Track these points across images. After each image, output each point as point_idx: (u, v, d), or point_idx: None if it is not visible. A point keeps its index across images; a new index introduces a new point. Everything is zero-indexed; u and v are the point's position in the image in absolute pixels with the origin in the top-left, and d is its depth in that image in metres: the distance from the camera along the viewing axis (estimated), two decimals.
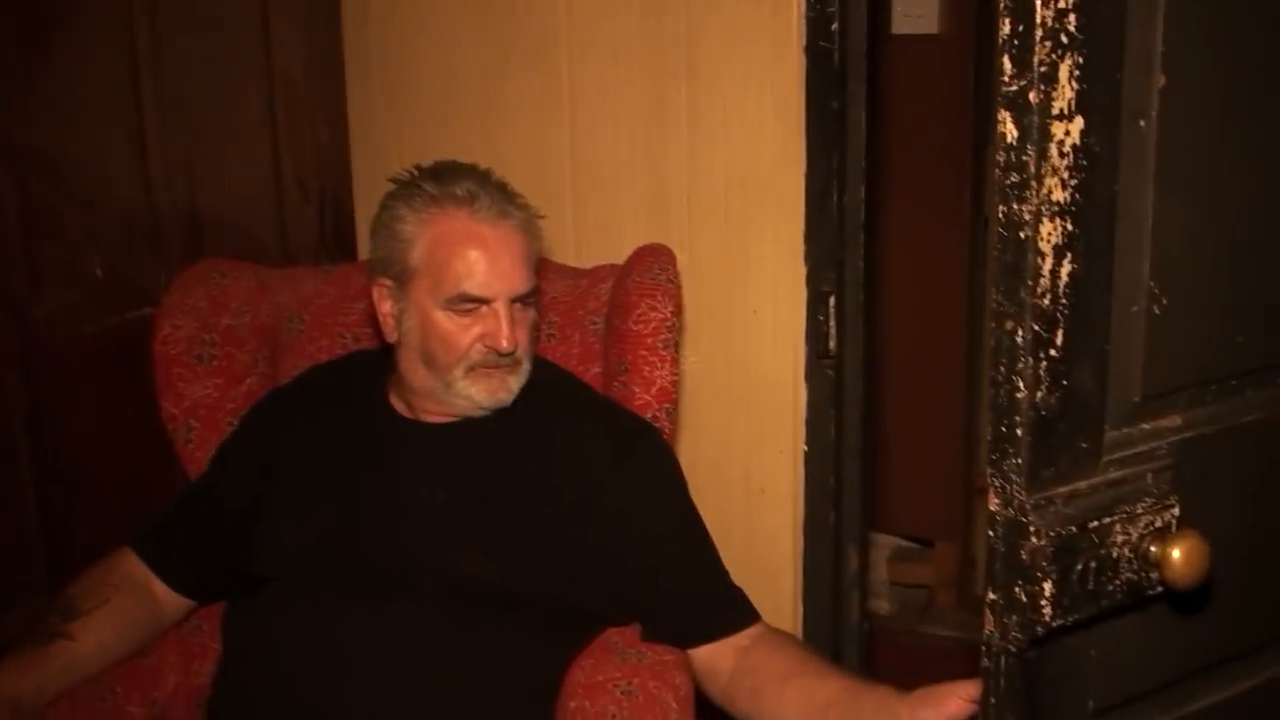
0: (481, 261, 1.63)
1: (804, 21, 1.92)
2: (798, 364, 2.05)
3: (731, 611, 1.69)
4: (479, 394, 1.67)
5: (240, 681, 1.66)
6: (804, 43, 1.92)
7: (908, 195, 3.10)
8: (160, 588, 1.76)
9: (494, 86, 2.20)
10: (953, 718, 1.41)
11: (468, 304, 1.63)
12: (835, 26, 1.88)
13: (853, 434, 2.08)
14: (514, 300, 1.65)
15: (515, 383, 1.69)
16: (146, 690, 1.70)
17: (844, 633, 2.17)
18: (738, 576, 1.73)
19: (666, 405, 1.83)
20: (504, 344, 1.64)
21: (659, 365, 1.81)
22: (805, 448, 2.07)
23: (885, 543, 3.43)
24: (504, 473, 1.69)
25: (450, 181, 1.66)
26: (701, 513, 1.75)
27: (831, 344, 2.02)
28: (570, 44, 2.12)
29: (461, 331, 1.64)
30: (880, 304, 3.11)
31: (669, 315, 1.81)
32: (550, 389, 1.78)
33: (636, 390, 1.81)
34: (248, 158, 2.15)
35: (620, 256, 1.95)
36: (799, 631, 2.14)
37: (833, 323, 2.01)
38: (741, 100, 2.00)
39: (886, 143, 2.99)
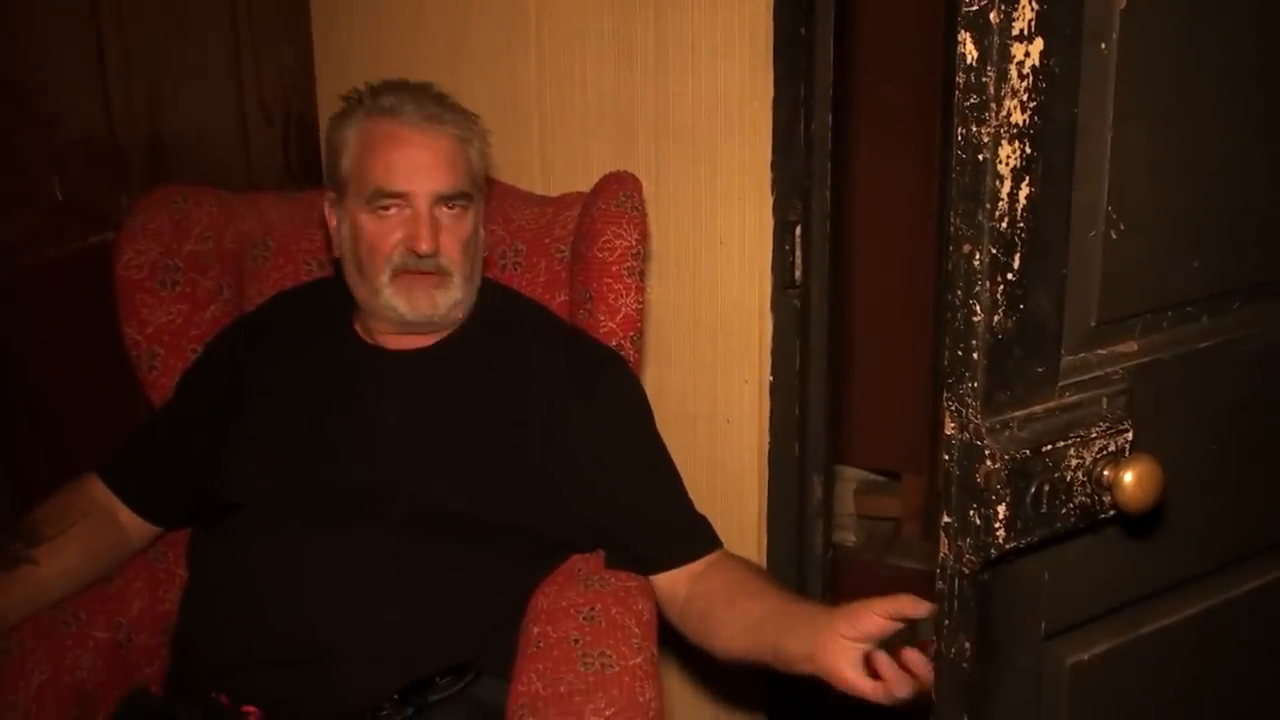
0: (400, 158, 1.64)
1: None
2: (763, 294, 2.05)
3: (691, 539, 1.70)
4: (402, 305, 1.67)
5: (206, 608, 1.66)
6: None
7: (876, 124, 3.08)
8: (125, 514, 1.75)
9: (460, 13, 2.16)
10: (869, 634, 1.43)
11: (386, 200, 1.64)
12: None
13: (818, 365, 2.08)
14: (440, 203, 1.65)
15: (443, 297, 1.68)
16: (112, 615, 1.70)
17: (808, 563, 2.19)
18: (703, 506, 1.74)
19: (631, 334, 1.83)
20: (422, 244, 1.63)
21: (624, 293, 1.81)
22: (770, 378, 2.08)
23: (852, 475, 3.45)
24: (469, 400, 1.69)
25: (383, 93, 1.68)
26: (667, 442, 1.76)
27: (797, 274, 2.02)
28: None
29: (385, 234, 1.65)
30: (848, 234, 3.10)
31: (634, 243, 1.81)
32: (515, 317, 1.78)
33: (602, 318, 1.81)
34: (210, 79, 2.12)
35: (587, 184, 1.94)
36: (763, 561, 2.16)
37: (799, 253, 2.01)
38: (709, 27, 1.97)
39: (855, 70, 2.96)
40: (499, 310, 1.75)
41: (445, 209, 1.66)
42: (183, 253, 1.84)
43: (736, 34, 1.95)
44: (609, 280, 1.80)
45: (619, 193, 1.83)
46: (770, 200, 1.99)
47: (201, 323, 1.86)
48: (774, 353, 2.07)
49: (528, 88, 2.15)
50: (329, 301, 1.79)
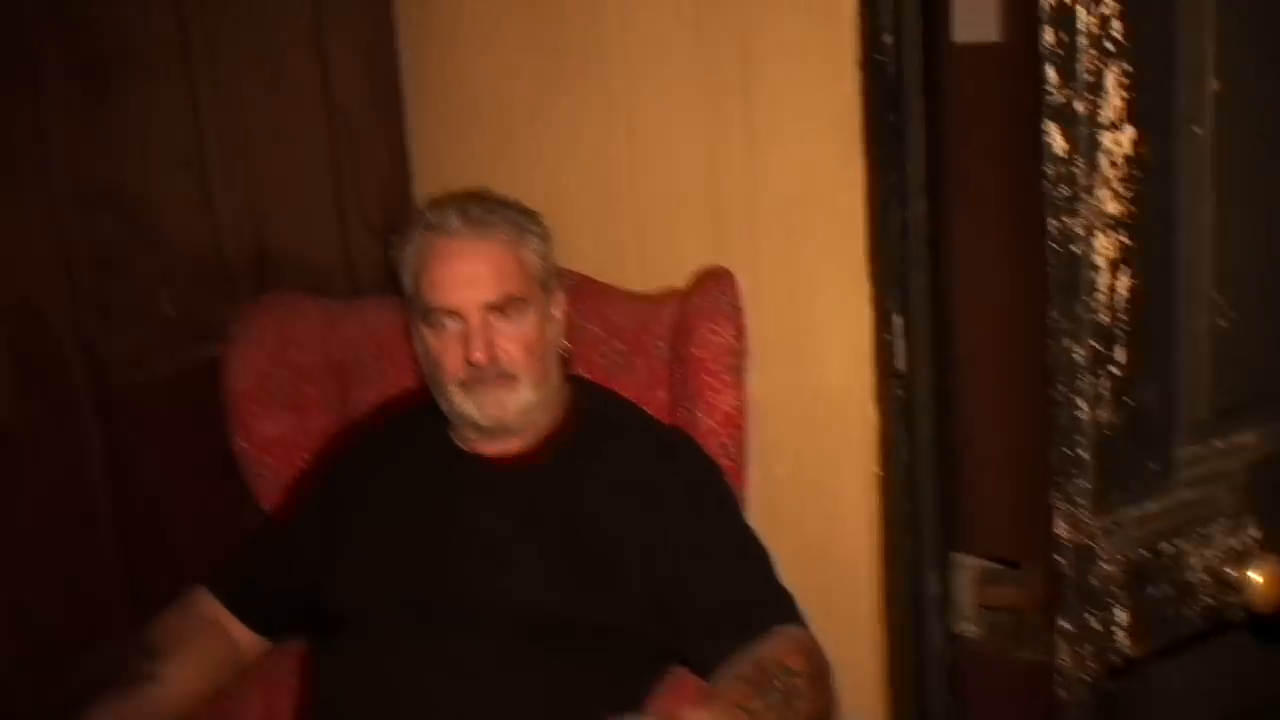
0: (445, 273, 1.65)
1: (857, 34, 1.88)
2: (867, 384, 2.00)
3: (743, 620, 1.63)
4: (473, 411, 1.67)
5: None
6: (858, 56, 1.88)
7: (976, 208, 3.03)
8: (237, 627, 1.78)
9: (550, 109, 2.18)
10: None
11: (439, 316, 1.65)
12: (888, 39, 1.84)
13: (926, 455, 2.03)
14: (493, 310, 1.65)
15: (512, 400, 1.68)
16: None
17: (927, 658, 2.12)
18: (815, 602, 1.69)
19: (733, 431, 1.80)
20: (474, 355, 1.63)
21: (723, 391, 1.79)
22: (879, 471, 2.03)
23: (973, 564, 3.36)
24: (566, 503, 1.68)
25: (433, 209, 1.72)
26: (777, 540, 1.72)
27: (900, 363, 1.97)
28: (623, 62, 2.09)
29: (445, 349, 1.66)
30: (953, 320, 3.04)
31: (732, 340, 1.79)
32: (608, 420, 1.77)
33: (701, 416, 1.79)
34: (310, 191, 2.16)
35: (682, 277, 1.93)
36: (881, 658, 2.10)
37: (900, 341, 1.96)
38: (798, 116, 1.96)
39: (952, 154, 2.92)
40: (593, 412, 1.74)
41: (500, 315, 1.66)
42: (288, 362, 1.87)
43: (826, 121, 1.93)
44: (708, 378, 1.78)
45: (714, 290, 1.82)
46: (868, 289, 1.96)
47: (310, 431, 1.89)
48: (881, 444, 2.02)
49: (619, 181, 2.15)
50: (428, 411, 1.80)
